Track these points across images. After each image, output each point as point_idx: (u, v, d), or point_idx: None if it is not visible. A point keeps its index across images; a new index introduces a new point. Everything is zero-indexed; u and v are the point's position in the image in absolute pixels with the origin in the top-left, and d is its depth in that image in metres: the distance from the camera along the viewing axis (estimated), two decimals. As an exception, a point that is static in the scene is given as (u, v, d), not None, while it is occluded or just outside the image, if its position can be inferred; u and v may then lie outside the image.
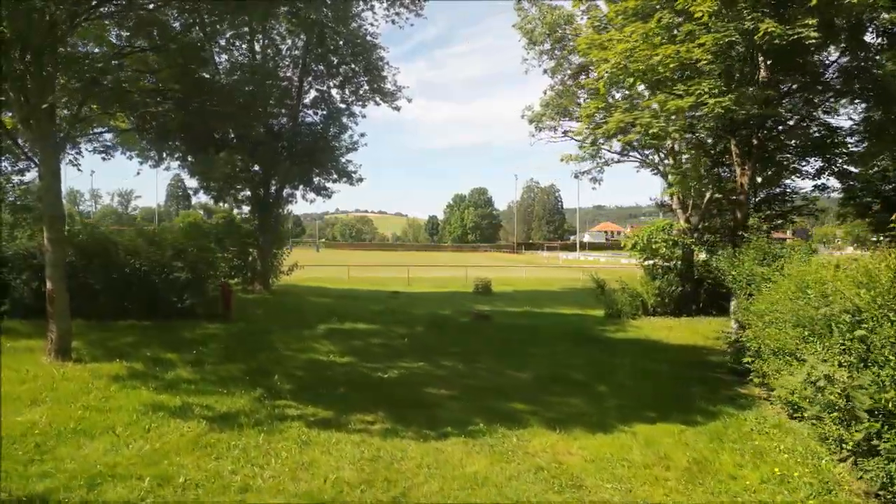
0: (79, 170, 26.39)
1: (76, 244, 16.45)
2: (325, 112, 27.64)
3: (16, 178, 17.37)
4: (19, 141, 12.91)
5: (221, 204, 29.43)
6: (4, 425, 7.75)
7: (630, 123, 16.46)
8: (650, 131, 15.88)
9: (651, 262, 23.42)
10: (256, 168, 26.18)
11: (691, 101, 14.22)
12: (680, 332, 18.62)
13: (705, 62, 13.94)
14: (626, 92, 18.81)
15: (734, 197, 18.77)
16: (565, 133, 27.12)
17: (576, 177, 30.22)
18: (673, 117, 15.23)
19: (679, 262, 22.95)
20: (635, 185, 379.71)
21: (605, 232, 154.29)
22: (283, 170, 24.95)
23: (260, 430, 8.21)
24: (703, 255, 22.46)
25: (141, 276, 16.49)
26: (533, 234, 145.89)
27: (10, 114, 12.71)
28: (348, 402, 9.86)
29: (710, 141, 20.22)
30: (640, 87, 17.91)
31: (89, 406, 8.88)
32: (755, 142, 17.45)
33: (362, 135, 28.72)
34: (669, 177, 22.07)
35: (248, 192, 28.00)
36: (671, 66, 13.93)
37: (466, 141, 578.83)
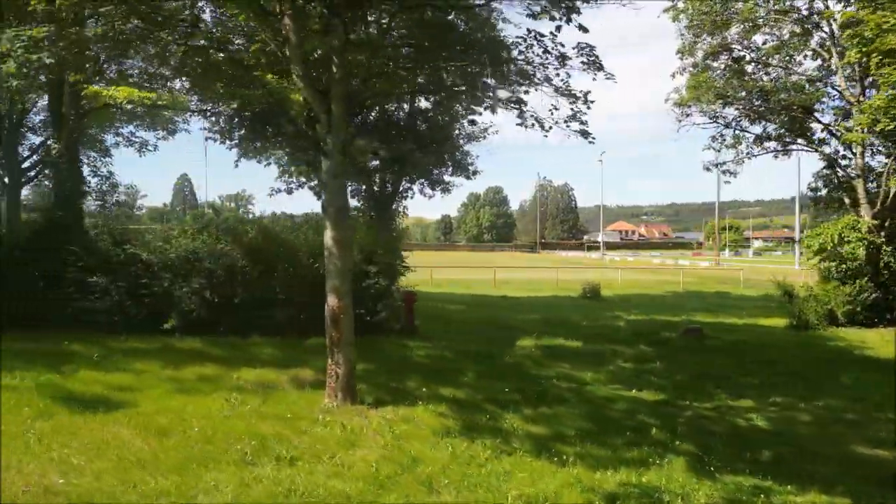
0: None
1: (248, 245, 13.65)
2: (441, 96, 24.76)
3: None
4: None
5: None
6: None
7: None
8: None
9: (832, 264, 20.89)
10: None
11: None
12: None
13: None
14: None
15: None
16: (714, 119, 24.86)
17: (707, 169, 27.91)
18: None
19: (865, 265, 20.47)
20: (637, 185, 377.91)
21: (620, 231, 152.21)
22: (413, 160, 22.10)
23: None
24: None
25: (322, 285, 13.68)
26: (546, 234, 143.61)
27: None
28: (786, 471, 7.16)
29: None
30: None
31: (478, 483, 6.11)
32: None
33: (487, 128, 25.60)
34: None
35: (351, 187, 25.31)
36: None
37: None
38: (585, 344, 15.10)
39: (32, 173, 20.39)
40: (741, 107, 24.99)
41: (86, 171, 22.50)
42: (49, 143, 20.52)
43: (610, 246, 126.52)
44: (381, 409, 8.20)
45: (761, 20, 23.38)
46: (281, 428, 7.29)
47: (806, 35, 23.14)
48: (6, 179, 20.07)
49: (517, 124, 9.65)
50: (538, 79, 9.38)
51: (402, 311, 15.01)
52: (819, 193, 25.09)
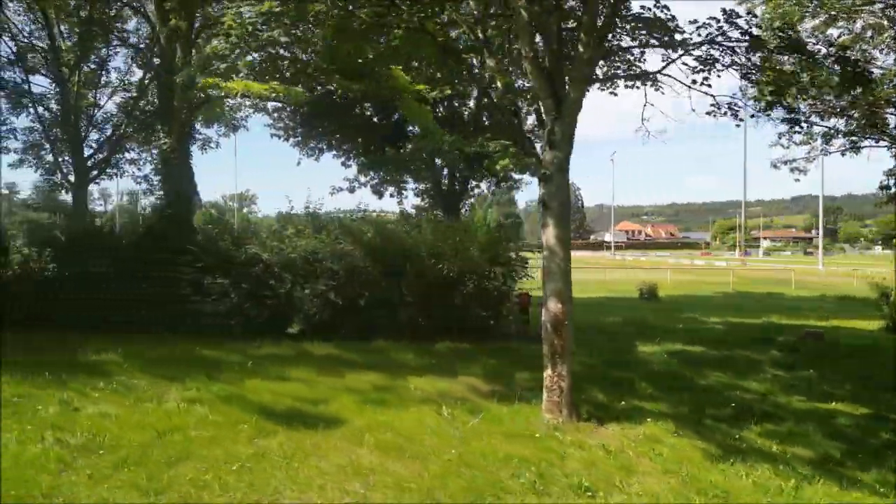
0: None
1: (368, 245, 12.89)
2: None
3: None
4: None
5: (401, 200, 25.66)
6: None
7: None
8: None
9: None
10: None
11: None
12: None
13: None
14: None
15: None
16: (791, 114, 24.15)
17: (774, 166, 27.27)
18: None
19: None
20: (638, 185, 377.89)
21: (626, 231, 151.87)
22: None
23: None
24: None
25: (444, 286, 12.99)
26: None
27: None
28: None
29: None
30: None
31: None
32: None
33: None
34: None
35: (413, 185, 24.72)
36: None
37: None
38: (707, 349, 14.37)
39: (95, 172, 19.62)
40: (812, 102, 24.34)
41: (147, 169, 21.79)
42: (116, 138, 19.76)
43: (618, 246, 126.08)
44: (608, 427, 7.48)
45: (841, 13, 22.77)
46: (528, 449, 6.57)
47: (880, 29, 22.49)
48: (71, 178, 19.27)
49: (708, 112, 8.88)
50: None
51: (516, 312, 14.26)
52: (892, 190, 24.46)
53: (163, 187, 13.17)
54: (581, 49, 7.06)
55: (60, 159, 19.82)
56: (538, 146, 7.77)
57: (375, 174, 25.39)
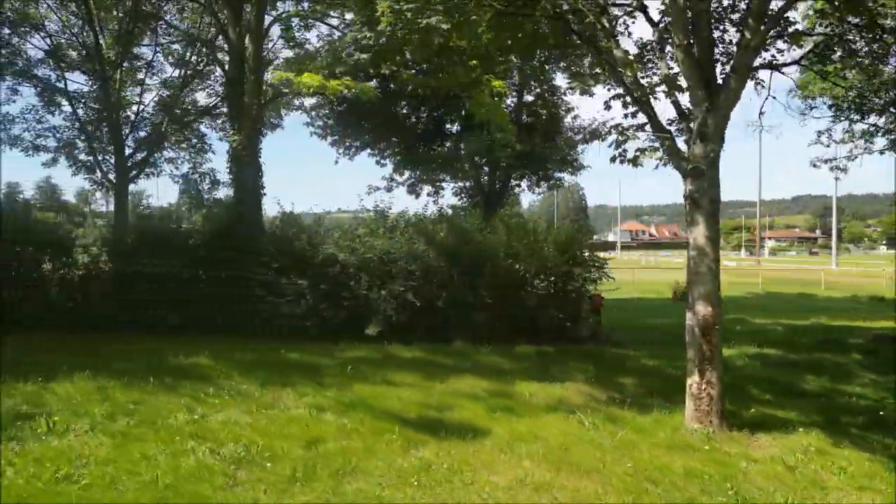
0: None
1: (440, 245, 12.49)
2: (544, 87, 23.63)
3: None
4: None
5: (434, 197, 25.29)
6: None
7: None
8: None
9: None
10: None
11: None
12: None
13: None
14: None
15: None
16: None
17: (814, 165, 26.95)
18: None
19: None
20: (638, 185, 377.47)
21: (630, 231, 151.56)
22: (542, 154, 20.93)
23: None
24: None
25: (520, 287, 12.62)
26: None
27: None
28: None
29: None
30: None
31: None
32: None
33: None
34: None
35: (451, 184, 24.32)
36: None
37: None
38: (783, 353, 14.01)
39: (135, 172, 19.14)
40: (855, 100, 24.01)
41: (185, 168, 21.32)
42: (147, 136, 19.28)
43: (626, 246, 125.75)
44: (757, 437, 7.09)
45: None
46: (700, 462, 6.19)
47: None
48: (112, 177, 18.80)
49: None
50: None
51: (589, 315, 13.86)
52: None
53: (233, 185, 12.67)
54: (748, 35, 6.68)
55: (100, 157, 19.36)
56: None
57: (413, 173, 25.07)
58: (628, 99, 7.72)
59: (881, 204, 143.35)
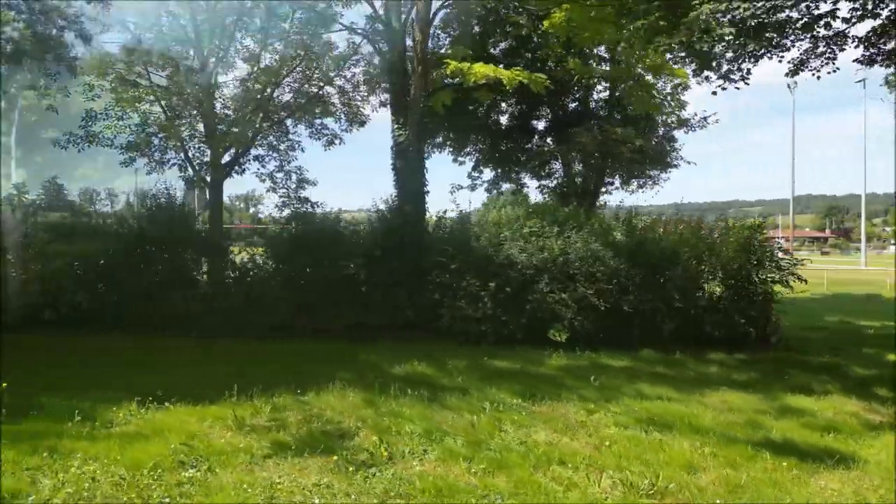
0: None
1: (618, 246, 11.79)
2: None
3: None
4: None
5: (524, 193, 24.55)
6: None
7: None
8: None
9: None
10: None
11: None
12: None
13: None
14: None
15: None
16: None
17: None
18: None
19: None
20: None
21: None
22: (639, 151, 20.15)
23: None
24: None
25: (700, 290, 11.93)
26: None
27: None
28: None
29: None
30: None
31: None
32: None
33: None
34: None
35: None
36: None
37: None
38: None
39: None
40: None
41: (272, 165, 20.43)
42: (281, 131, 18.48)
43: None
44: None
45: None
46: None
47: None
48: (208, 177, 17.92)
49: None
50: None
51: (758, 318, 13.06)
52: None
53: (396, 183, 11.85)
54: None
55: (191, 155, 18.42)
56: None
57: (493, 171, 24.43)
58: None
59: (881, 203, 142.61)
